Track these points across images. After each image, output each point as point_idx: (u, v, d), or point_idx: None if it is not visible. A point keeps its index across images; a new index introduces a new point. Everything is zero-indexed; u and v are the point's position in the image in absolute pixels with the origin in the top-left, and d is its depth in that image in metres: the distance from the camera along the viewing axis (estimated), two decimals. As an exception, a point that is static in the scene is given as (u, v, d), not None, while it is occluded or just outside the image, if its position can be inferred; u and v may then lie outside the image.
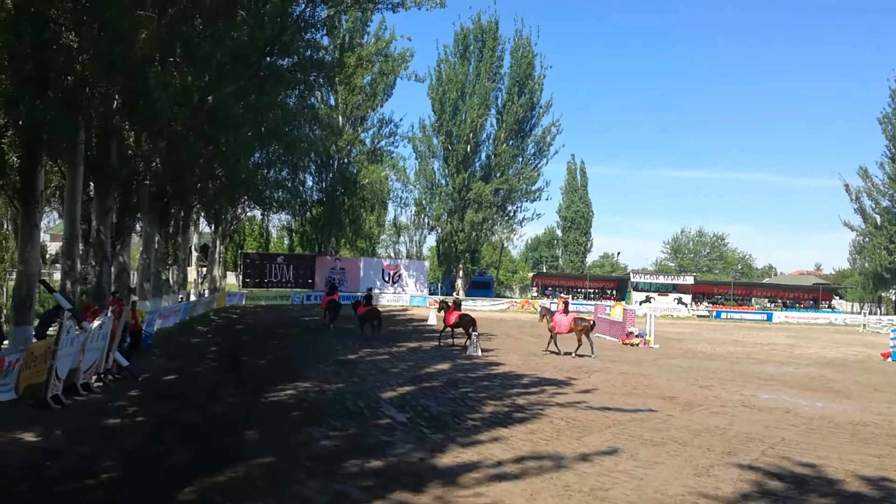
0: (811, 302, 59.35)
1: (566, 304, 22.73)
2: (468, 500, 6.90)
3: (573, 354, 20.81)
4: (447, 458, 8.51)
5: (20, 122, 14.59)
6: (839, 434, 11.02)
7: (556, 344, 21.57)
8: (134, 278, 30.09)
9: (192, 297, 40.09)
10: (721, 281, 68.07)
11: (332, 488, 7.18)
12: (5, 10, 13.09)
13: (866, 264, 59.31)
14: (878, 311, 58.00)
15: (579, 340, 20.98)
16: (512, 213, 55.42)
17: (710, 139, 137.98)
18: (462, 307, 24.26)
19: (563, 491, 7.35)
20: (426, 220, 57.61)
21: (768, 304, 59.07)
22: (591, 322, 22.04)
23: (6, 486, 6.97)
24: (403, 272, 53.07)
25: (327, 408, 11.61)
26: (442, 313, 23.13)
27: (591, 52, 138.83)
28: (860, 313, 55.50)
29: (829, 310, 58.04)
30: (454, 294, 52.74)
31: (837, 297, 62.38)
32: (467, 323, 21.57)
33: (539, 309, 24.64)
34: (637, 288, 57.47)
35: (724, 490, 7.54)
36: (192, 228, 43.64)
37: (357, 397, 12.65)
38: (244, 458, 8.16)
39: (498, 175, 52.62)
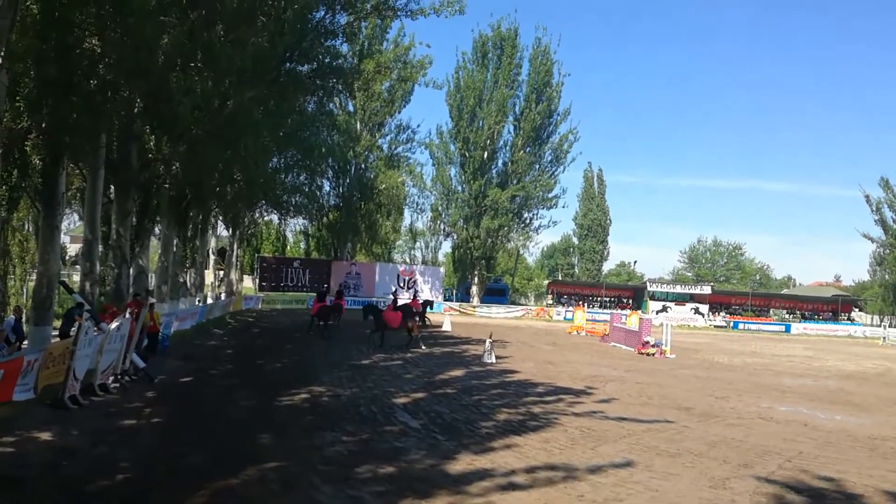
0: (830, 313, 58.63)
1: (395, 300, 25.24)
2: (481, 508, 6.89)
3: (407, 347, 22.41)
4: (460, 466, 8.49)
5: (43, 125, 14.80)
6: (857, 448, 10.87)
7: (381, 337, 22.95)
8: (152, 281, 30.36)
9: (209, 300, 40.37)
10: (739, 291, 67.44)
11: (345, 493, 7.19)
12: (31, 16, 13.30)
13: (886, 276, 58.58)
14: (899, 324, 57.21)
15: (409, 333, 22.84)
16: (528, 221, 55.18)
17: (728, 148, 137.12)
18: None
19: (576, 501, 7.32)
20: (442, 227, 57.57)
21: (787, 316, 58.45)
22: (418, 318, 23.51)
23: (23, 484, 7.04)
24: (419, 278, 53.02)
25: (341, 412, 11.64)
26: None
27: (610, 59, 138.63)
28: (880, 326, 54.76)
29: (849, 322, 57.33)
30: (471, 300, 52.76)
31: (857, 309, 61.62)
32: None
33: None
34: (653, 297, 57.07)
35: (741, 503, 7.46)
36: (210, 232, 43.97)
37: (371, 402, 12.67)
38: (258, 462, 8.19)
39: (514, 182, 52.50)
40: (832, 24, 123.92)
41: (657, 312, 52.35)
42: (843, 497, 7.94)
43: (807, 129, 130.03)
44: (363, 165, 51.65)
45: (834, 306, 59.45)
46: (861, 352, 35.72)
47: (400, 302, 27.27)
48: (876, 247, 59.85)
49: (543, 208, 55.03)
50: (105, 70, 14.89)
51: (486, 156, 52.37)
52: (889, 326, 53.01)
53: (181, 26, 15.83)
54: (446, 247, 62.62)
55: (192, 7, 16.47)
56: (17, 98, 14.59)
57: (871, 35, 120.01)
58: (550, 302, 59.36)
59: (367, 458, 8.66)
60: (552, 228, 62.92)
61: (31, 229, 30.15)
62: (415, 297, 35.23)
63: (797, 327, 53.91)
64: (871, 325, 57.23)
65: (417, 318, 27.43)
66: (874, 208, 57.58)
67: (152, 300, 19.01)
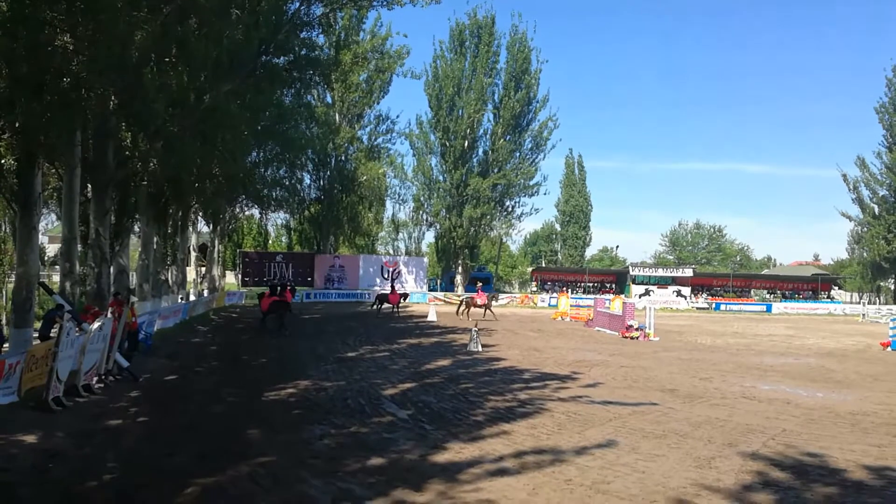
0: (810, 292, 59.42)
1: (273, 287, 27.45)
2: (470, 496, 6.92)
3: (287, 333, 23.91)
4: (449, 455, 8.52)
5: (17, 125, 14.57)
6: (839, 424, 11.04)
7: (262, 322, 25.17)
8: (133, 279, 30.10)
9: (192, 297, 40.08)
10: (720, 273, 68.15)
11: (334, 486, 7.20)
12: (0, 13, 13.05)
13: (864, 254, 59.43)
14: (877, 301, 58.17)
15: (281, 321, 24.62)
16: (510, 209, 55.35)
17: (707, 131, 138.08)
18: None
19: (564, 485, 7.37)
20: (424, 217, 57.59)
21: (767, 296, 59.13)
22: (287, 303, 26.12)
23: (9, 488, 6.98)
24: (403, 269, 53.02)
25: (328, 405, 11.63)
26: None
27: (588, 45, 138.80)
28: (859, 303, 55.58)
29: (828, 300, 58.13)
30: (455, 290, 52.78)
31: (836, 288, 62.48)
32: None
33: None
34: (636, 281, 57.48)
35: (726, 481, 7.56)
36: (191, 228, 43.61)
37: (358, 394, 12.67)
38: (246, 457, 8.17)
39: (495, 170, 52.56)
40: (808, 6, 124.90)
41: (640, 296, 52.72)
42: (826, 472, 8.06)
43: (783, 111, 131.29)
44: (343, 157, 51.45)
45: (814, 285, 60.28)
46: (841, 329, 36.22)
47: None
48: (854, 225, 60.77)
49: (525, 196, 55.34)
50: (78, 67, 14.66)
51: (466, 145, 52.37)
52: (868, 303, 53.83)
53: (154, 21, 15.62)
54: (429, 237, 62.84)
55: (165, 1, 16.25)
56: (-11, 98, 14.35)
57: (847, 18, 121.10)
58: (535, 289, 59.64)
59: (355, 450, 8.66)
60: (534, 216, 63.68)
61: (8, 231, 29.80)
62: (481, 289, 38.23)
63: (778, 307, 54.60)
64: (851, 303, 58.15)
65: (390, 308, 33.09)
66: (851, 187, 58.43)
67: (134, 299, 18.84)
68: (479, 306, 34.68)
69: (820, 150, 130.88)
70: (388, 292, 36.52)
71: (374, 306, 36.01)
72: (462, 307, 34.99)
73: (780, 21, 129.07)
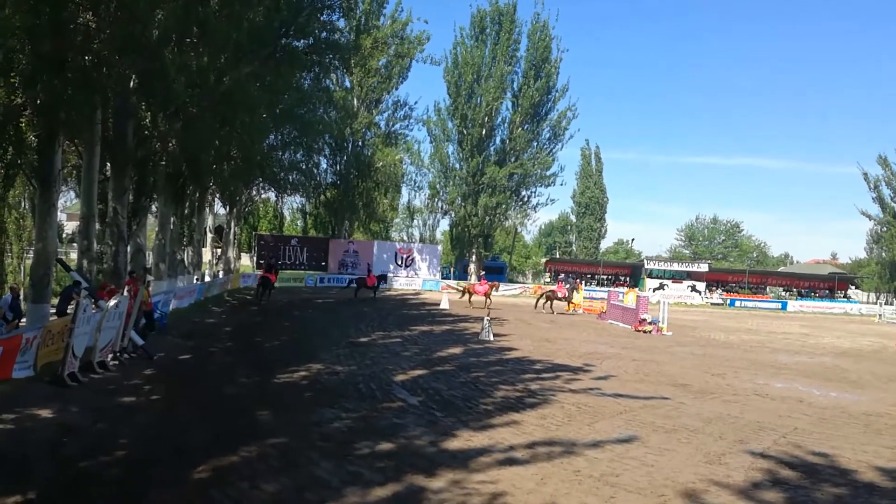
0: (826, 291, 58.88)
1: (267, 264, 32.55)
2: (479, 485, 6.93)
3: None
4: (458, 442, 8.55)
5: (38, 102, 14.68)
6: (852, 424, 10.96)
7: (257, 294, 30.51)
8: (150, 258, 30.37)
9: (207, 278, 40.37)
10: (735, 269, 67.64)
11: (344, 469, 7.24)
12: (24, -10, 13.11)
13: (883, 254, 58.72)
14: (894, 302, 57.47)
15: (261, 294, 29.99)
16: (526, 198, 55.05)
17: (726, 125, 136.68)
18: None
19: (573, 476, 7.38)
20: (440, 204, 57.44)
21: (783, 293, 58.66)
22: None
23: (24, 461, 7.09)
24: (416, 256, 53.00)
25: (340, 389, 11.69)
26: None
27: (607, 36, 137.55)
28: (876, 303, 55.01)
29: (845, 299, 57.59)
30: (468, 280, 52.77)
31: (853, 287, 61.87)
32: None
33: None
34: (651, 275, 57.21)
35: (736, 478, 7.54)
36: (207, 210, 43.81)
37: (369, 379, 12.73)
38: (258, 438, 8.24)
39: (512, 159, 52.31)
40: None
41: (654, 290, 52.50)
42: (836, 472, 8.01)
43: (805, 106, 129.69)
44: (360, 143, 51.42)
45: (830, 284, 59.71)
46: (857, 329, 35.91)
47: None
48: (873, 224, 60.05)
49: (541, 186, 54.95)
50: (99, 45, 14.73)
51: (484, 133, 52.11)
52: (885, 304, 53.27)
53: (175, 1, 15.64)
54: (444, 224, 62.76)
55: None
56: (12, 74, 14.47)
57: (870, 10, 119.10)
58: (548, 280, 59.50)
59: (366, 434, 8.71)
60: (550, 206, 63.64)
61: (27, 207, 30.10)
62: (560, 281, 38.04)
63: (793, 305, 54.17)
64: (867, 303, 57.54)
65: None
66: (872, 186, 57.67)
67: (150, 278, 19.00)
68: (561, 299, 34.13)
69: (841, 146, 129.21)
70: (476, 283, 36.81)
71: (463, 296, 35.67)
72: (542, 300, 33.97)
73: (803, 13, 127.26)
